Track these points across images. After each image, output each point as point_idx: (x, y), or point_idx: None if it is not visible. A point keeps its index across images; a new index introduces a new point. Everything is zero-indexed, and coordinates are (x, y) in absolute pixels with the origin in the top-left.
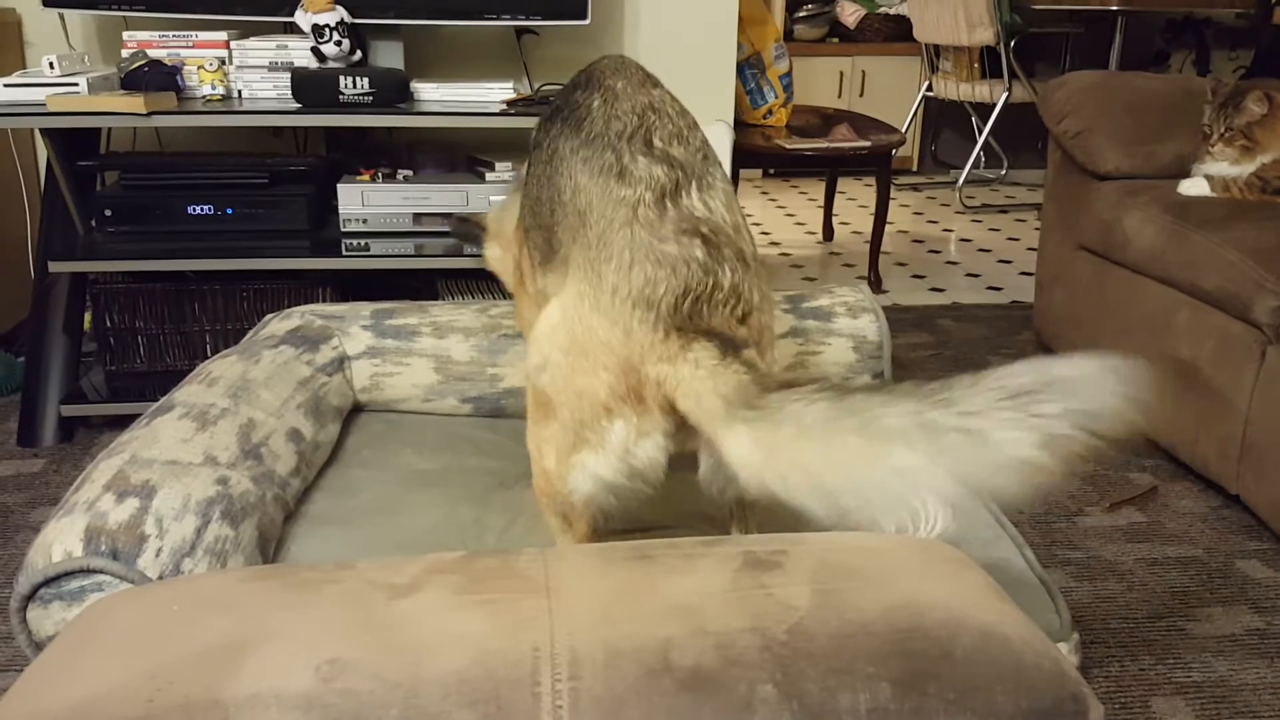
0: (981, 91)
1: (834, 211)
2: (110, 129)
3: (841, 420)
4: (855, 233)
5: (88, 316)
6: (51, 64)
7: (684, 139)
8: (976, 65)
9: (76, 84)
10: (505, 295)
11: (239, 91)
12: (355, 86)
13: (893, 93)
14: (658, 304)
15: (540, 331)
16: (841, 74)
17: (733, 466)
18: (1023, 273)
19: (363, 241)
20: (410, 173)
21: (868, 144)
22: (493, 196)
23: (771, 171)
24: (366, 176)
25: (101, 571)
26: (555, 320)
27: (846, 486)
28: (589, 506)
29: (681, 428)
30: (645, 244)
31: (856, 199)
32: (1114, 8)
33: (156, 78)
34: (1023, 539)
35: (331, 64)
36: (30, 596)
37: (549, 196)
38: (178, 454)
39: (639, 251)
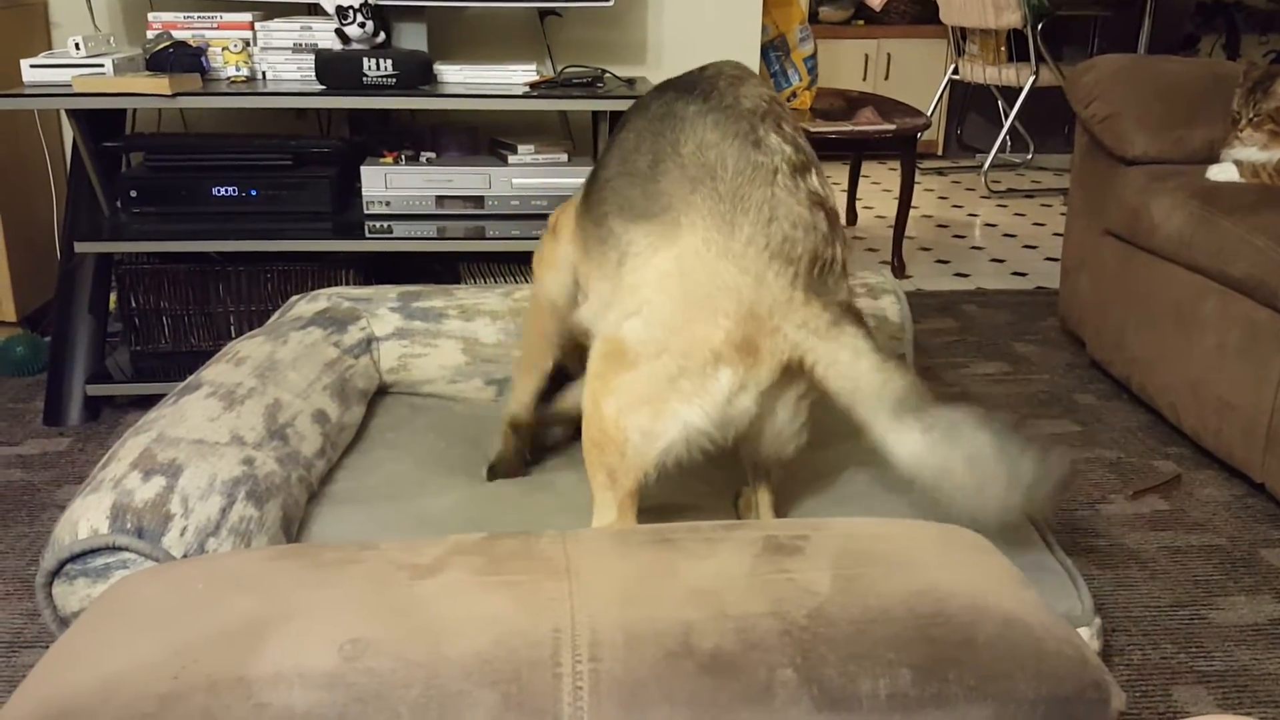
0: (1008, 75)
1: (857, 195)
2: (135, 110)
3: (998, 459)
4: (879, 217)
5: (113, 297)
6: (77, 45)
7: (801, 134)
8: (1003, 48)
9: (102, 65)
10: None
11: (263, 73)
12: (379, 68)
13: (918, 76)
14: (796, 262)
15: (645, 279)
16: (867, 57)
17: (895, 457)
18: (1048, 258)
19: (386, 224)
20: (433, 155)
21: (892, 127)
22: (515, 179)
23: None
24: (390, 159)
25: (126, 549)
26: (667, 269)
27: (977, 491)
28: (657, 457)
29: (774, 390)
30: (786, 205)
31: (880, 183)
32: None
33: (181, 59)
34: (1045, 525)
35: (355, 46)
36: (56, 572)
37: (651, 149)
38: (204, 433)
39: (779, 210)
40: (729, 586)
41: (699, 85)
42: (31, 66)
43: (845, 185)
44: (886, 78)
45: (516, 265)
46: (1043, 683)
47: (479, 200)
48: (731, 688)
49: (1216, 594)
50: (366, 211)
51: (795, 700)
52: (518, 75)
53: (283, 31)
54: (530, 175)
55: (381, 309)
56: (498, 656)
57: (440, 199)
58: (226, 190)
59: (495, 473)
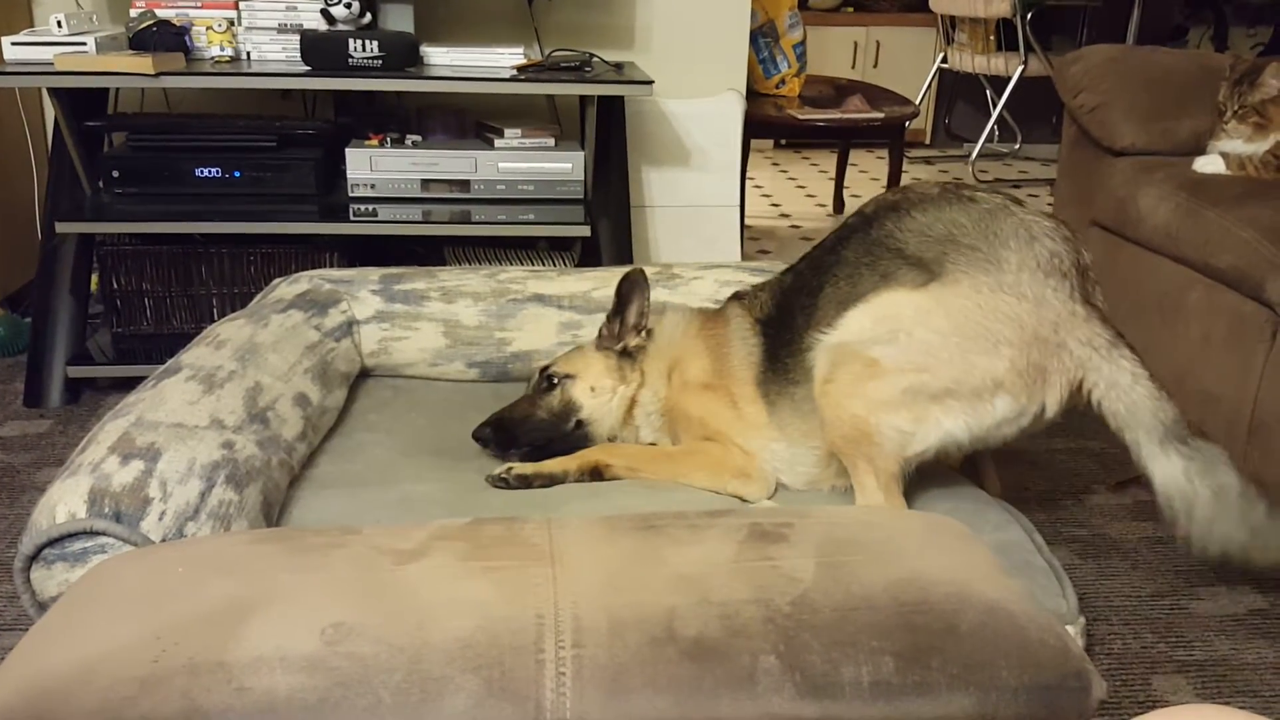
0: (997, 64)
1: (845, 184)
2: (118, 89)
3: (1240, 498)
4: None
5: (94, 278)
6: (59, 23)
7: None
8: (992, 37)
9: (84, 43)
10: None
11: (247, 53)
12: (364, 50)
13: (907, 64)
14: (1068, 274)
15: (898, 312)
16: (856, 44)
17: (1154, 477)
18: None
19: (370, 207)
20: (419, 138)
21: (881, 115)
22: (501, 163)
23: (783, 142)
24: (375, 141)
25: (104, 534)
26: (927, 307)
27: (1210, 521)
28: (912, 454)
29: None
30: (1037, 224)
31: (868, 171)
32: None
33: (165, 38)
34: (1031, 524)
35: (341, 26)
36: (34, 557)
37: (881, 247)
38: (184, 417)
39: (1035, 229)
40: (713, 573)
41: (876, 215)
42: (12, 44)
43: (833, 173)
44: (875, 66)
45: (502, 249)
46: (1025, 671)
47: (464, 184)
48: (715, 674)
49: (1197, 584)
50: (351, 194)
51: (778, 687)
52: (505, 58)
53: (267, 11)
54: (517, 159)
55: (362, 291)
56: (481, 642)
57: (425, 182)
58: (210, 171)
59: (528, 481)
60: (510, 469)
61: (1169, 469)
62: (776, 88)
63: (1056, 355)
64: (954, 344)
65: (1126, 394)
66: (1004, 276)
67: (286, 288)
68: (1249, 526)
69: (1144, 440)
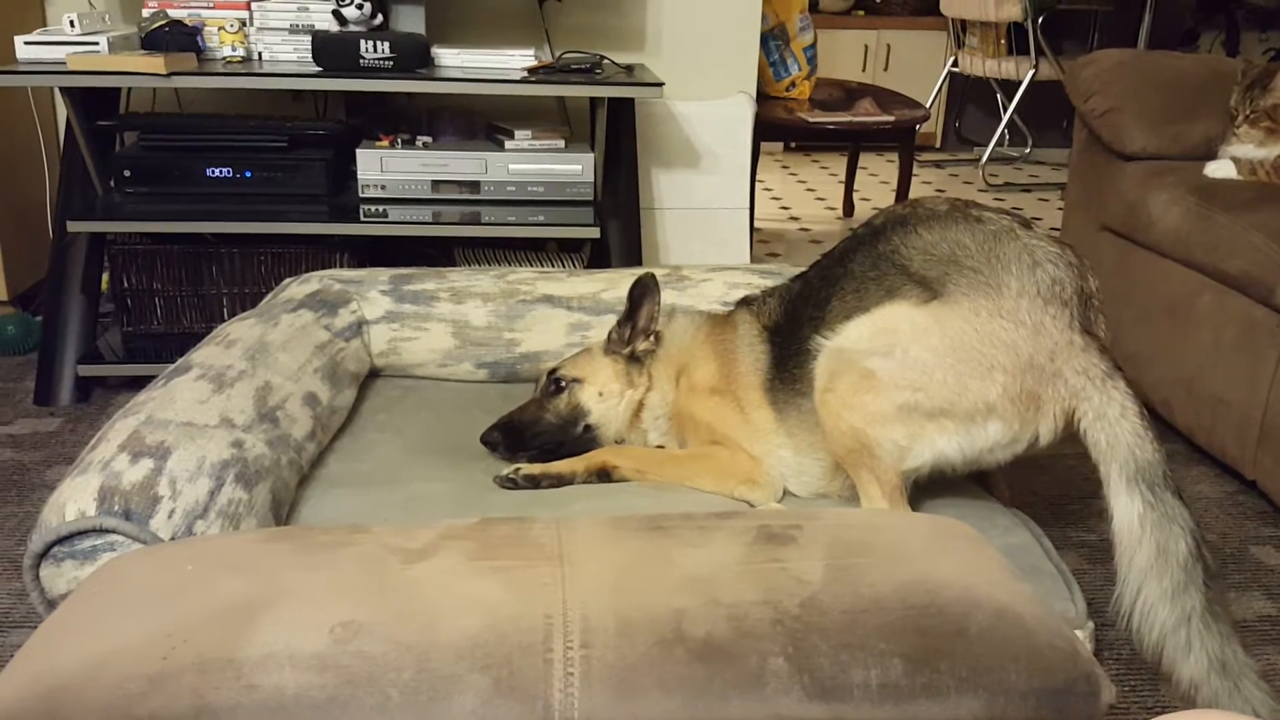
0: (1007, 68)
1: (855, 187)
2: (130, 89)
3: (1180, 567)
4: (876, 209)
5: (105, 277)
6: (72, 22)
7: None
8: (1003, 41)
9: (97, 43)
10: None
11: (259, 53)
12: (376, 51)
13: (918, 67)
14: (1069, 302)
15: (896, 326)
16: (866, 47)
17: (1111, 514)
18: None
19: (381, 208)
20: (430, 139)
21: (891, 119)
22: (511, 165)
23: (792, 145)
24: (386, 142)
25: (114, 531)
26: (925, 325)
27: (1143, 579)
28: (906, 468)
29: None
30: (1039, 248)
31: (878, 175)
32: None
33: (177, 38)
34: (1039, 528)
35: (352, 27)
36: (43, 554)
37: (887, 262)
38: (193, 415)
39: (1038, 254)
40: (721, 574)
41: (884, 229)
42: (25, 43)
43: (843, 177)
44: (886, 69)
45: (511, 250)
46: (1034, 675)
47: (475, 185)
48: (723, 675)
49: None
50: (361, 195)
51: (787, 689)
52: (516, 60)
53: (279, 12)
54: (527, 161)
55: (372, 291)
56: (489, 641)
57: (436, 183)
58: (221, 171)
59: (536, 482)
60: (518, 469)
61: (1127, 509)
62: (787, 90)
63: (1051, 383)
64: (949, 365)
65: (1111, 426)
66: (1003, 301)
67: (297, 288)
68: (1176, 601)
69: (1114, 475)
